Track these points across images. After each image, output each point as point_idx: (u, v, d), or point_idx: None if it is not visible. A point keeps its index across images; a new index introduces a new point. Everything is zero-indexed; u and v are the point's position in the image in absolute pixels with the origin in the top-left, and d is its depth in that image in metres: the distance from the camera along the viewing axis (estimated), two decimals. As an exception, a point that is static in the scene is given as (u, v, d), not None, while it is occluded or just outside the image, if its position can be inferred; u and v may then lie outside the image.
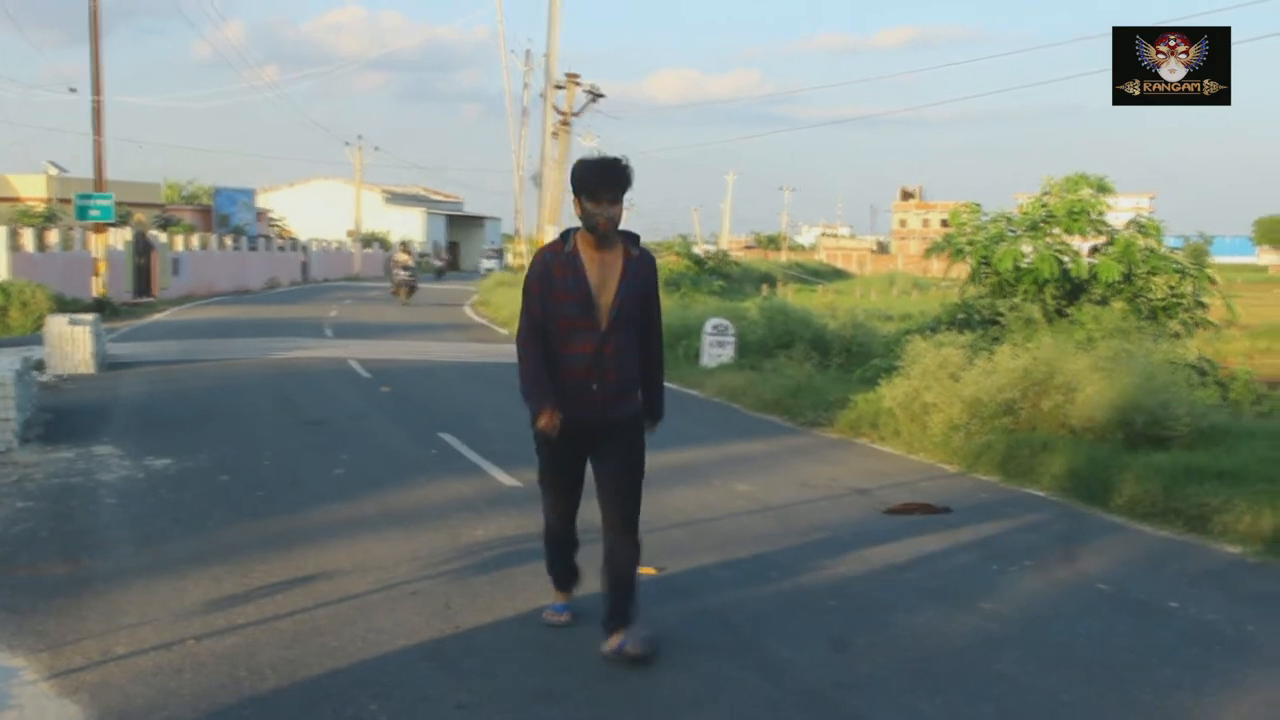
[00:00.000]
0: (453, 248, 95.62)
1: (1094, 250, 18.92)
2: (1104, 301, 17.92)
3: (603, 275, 5.51)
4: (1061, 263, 18.07)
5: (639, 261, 5.62)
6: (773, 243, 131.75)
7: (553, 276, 5.51)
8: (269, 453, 11.46)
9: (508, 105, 45.30)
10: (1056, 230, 18.64)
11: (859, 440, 12.95)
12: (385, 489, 9.71)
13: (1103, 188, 18.87)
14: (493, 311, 36.04)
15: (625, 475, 5.70)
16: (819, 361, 17.54)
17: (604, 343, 5.50)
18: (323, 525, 8.33)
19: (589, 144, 68.43)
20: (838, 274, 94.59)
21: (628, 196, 5.71)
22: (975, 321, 17.62)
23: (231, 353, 22.12)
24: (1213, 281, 18.83)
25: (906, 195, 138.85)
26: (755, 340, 20.19)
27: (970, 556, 7.85)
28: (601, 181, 5.40)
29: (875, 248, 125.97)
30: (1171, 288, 18.26)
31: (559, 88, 39.92)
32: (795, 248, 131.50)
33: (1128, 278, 18.12)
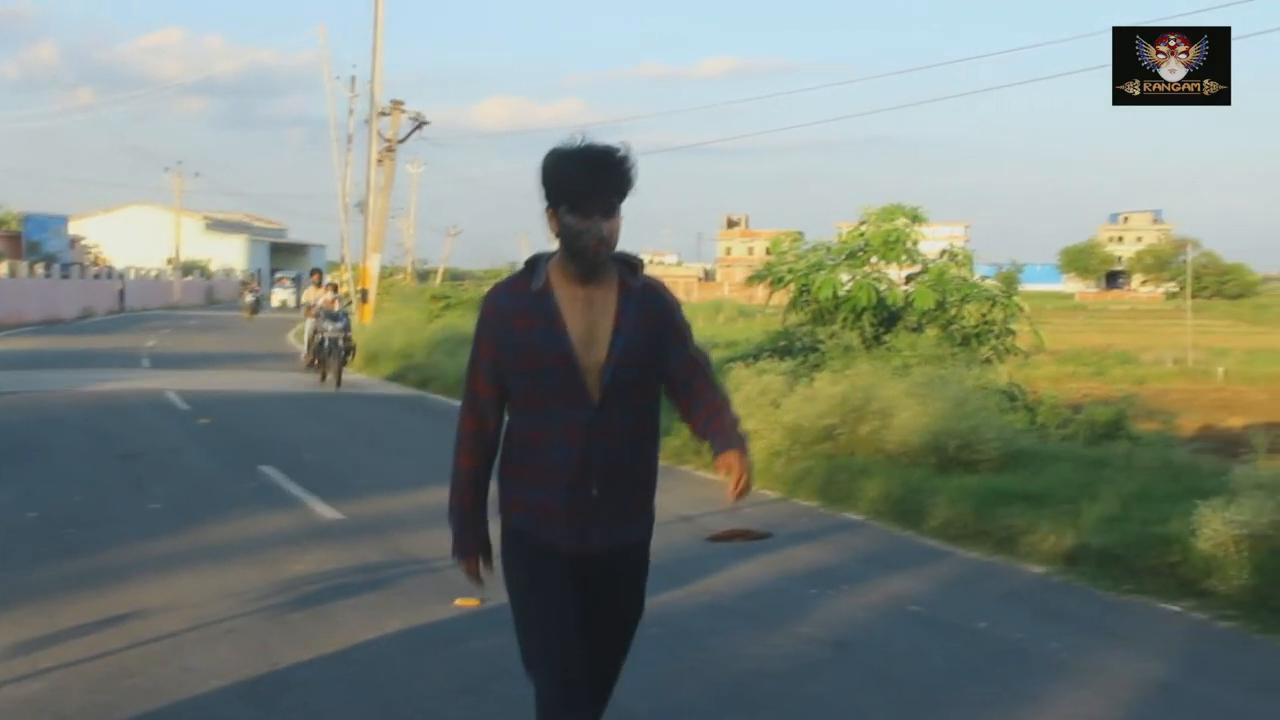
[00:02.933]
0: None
1: (909, 279, 19.45)
2: (919, 329, 18.43)
3: (589, 321, 3.40)
4: (878, 291, 18.54)
5: (644, 297, 3.48)
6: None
7: (513, 330, 3.40)
8: (80, 488, 11.09)
9: (332, 132, 44.46)
10: (874, 259, 19.12)
11: (683, 467, 13.06)
12: (201, 524, 9.47)
13: (917, 218, 19.41)
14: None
15: (616, 629, 3.80)
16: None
17: (598, 424, 3.39)
18: (135, 562, 8.08)
19: (415, 170, 67.73)
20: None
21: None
22: (796, 349, 17.94)
23: (41, 385, 21.34)
24: (1021, 309, 19.51)
25: (731, 223, 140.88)
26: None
27: (789, 581, 8.00)
28: (591, 183, 3.32)
29: (702, 275, 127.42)
30: (983, 315, 18.86)
31: (384, 114, 39.49)
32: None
33: (941, 306, 18.66)
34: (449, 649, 6.30)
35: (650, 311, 3.46)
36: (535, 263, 3.45)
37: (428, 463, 12.96)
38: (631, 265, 3.50)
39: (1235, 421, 22.94)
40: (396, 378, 25.30)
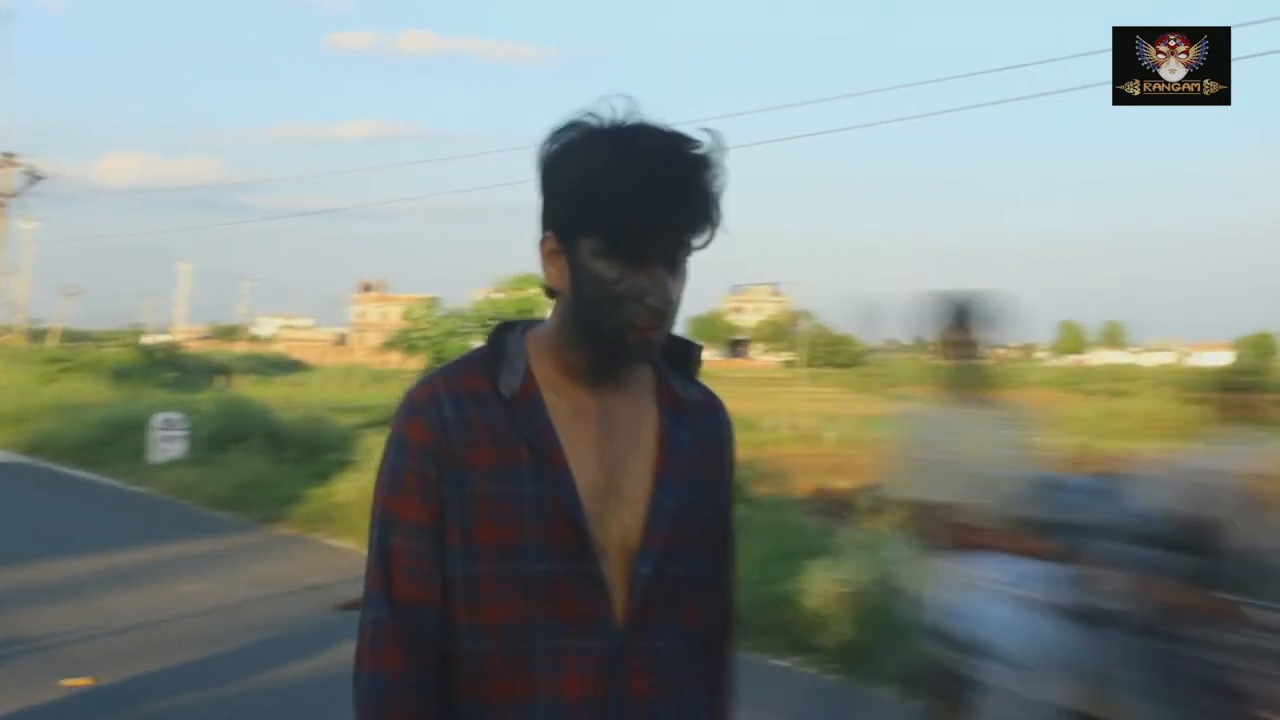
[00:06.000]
0: None
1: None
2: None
3: (611, 459, 1.80)
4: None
5: (705, 421, 1.92)
6: (231, 333, 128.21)
7: (467, 471, 1.75)
8: None
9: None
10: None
11: (313, 536, 12.87)
12: None
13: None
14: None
15: None
16: (275, 456, 17.28)
17: (624, 664, 1.76)
18: None
19: (28, 226, 64.03)
20: (297, 366, 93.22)
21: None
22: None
23: None
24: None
25: (367, 288, 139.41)
26: (208, 434, 19.59)
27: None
28: (658, 205, 1.68)
29: (336, 340, 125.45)
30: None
31: (-7, 166, 37.25)
32: (254, 339, 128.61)
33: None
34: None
35: (717, 451, 1.92)
36: (502, 342, 1.82)
37: (39, 534, 12.27)
38: (684, 356, 1.91)
39: (843, 484, 24.42)
40: (7, 444, 23.75)
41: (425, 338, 19.56)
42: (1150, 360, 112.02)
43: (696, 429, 1.88)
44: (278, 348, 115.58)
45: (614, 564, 1.75)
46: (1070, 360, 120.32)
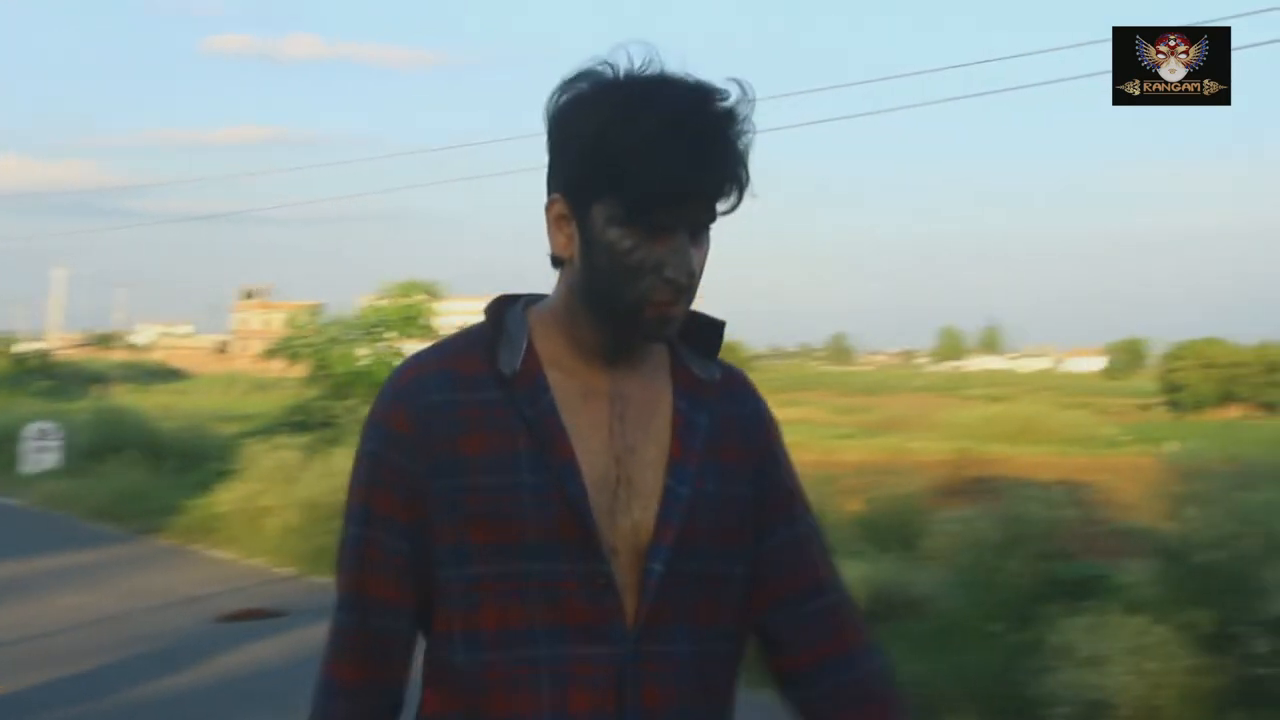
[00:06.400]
0: None
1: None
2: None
3: (621, 447, 1.60)
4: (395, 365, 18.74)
5: (727, 401, 1.71)
6: (107, 341, 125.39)
7: (458, 460, 1.55)
8: None
9: None
10: (391, 334, 19.30)
11: (194, 547, 12.69)
12: None
13: (435, 293, 19.79)
14: None
15: None
16: (154, 466, 16.97)
17: (636, 670, 1.55)
18: None
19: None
20: (177, 374, 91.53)
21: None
22: (313, 423, 17.80)
23: None
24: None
25: (249, 295, 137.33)
26: (84, 444, 19.18)
27: (305, 660, 7.93)
28: (685, 163, 1.48)
29: (217, 347, 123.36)
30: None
31: None
32: (132, 347, 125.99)
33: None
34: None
35: (741, 433, 1.70)
36: (499, 317, 1.64)
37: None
38: (706, 333, 1.70)
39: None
40: None
41: (309, 345, 19.32)
42: (1027, 366, 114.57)
43: (716, 411, 1.67)
44: (157, 355, 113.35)
45: (624, 562, 1.56)
46: (949, 366, 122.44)
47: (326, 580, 10.72)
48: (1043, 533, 8.21)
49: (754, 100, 1.53)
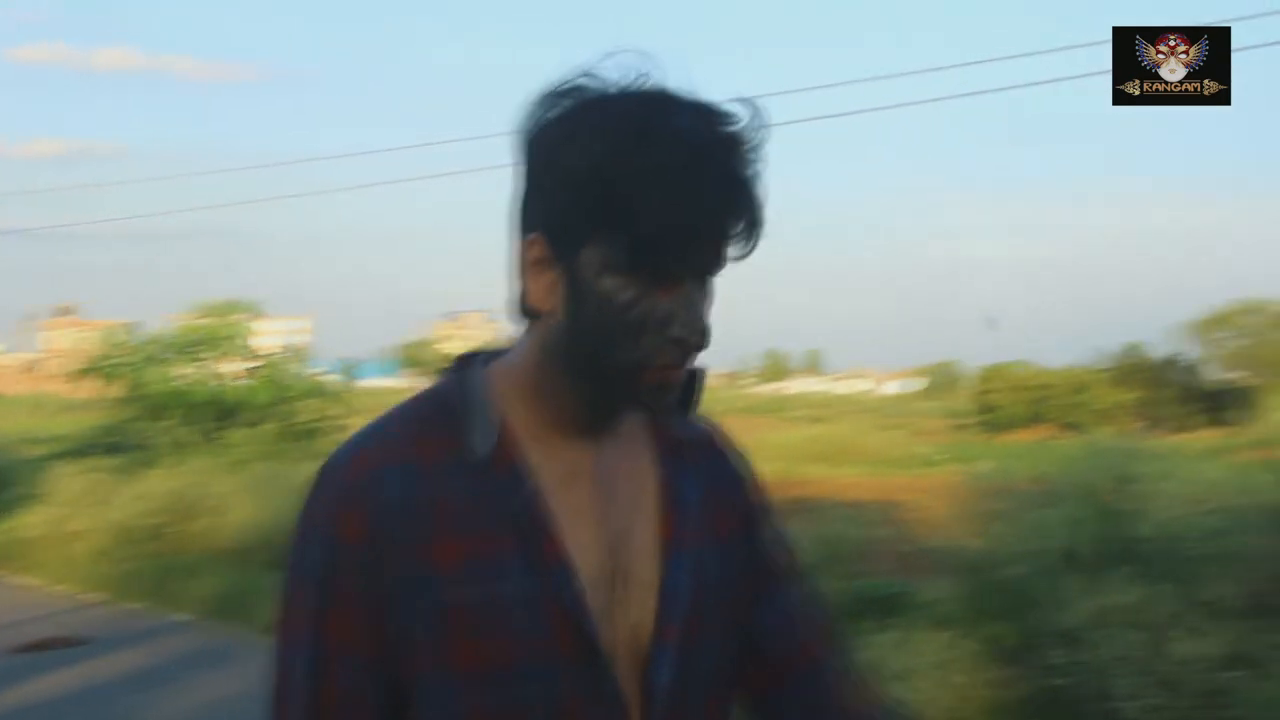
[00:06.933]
0: None
1: (248, 373, 19.36)
2: (256, 424, 18.36)
3: (613, 533, 1.35)
4: (214, 386, 18.31)
5: (709, 464, 1.48)
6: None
7: (431, 574, 1.26)
8: None
9: None
10: (208, 353, 18.87)
11: (-4, 573, 12.22)
12: None
13: (253, 312, 19.43)
14: None
15: None
16: (-46, 490, 16.29)
17: None
18: None
19: None
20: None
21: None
22: (126, 445, 17.29)
23: None
24: (351, 405, 20.04)
25: (61, 312, 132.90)
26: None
27: (109, 687, 7.72)
28: (704, 198, 1.23)
29: (25, 367, 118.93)
30: (321, 410, 19.12)
31: None
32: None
33: (279, 400, 18.72)
34: None
35: (729, 499, 1.49)
36: (465, 384, 1.37)
37: None
38: (686, 394, 1.38)
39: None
40: None
41: (125, 364, 18.76)
42: (847, 387, 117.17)
43: (703, 477, 1.44)
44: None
45: (624, 671, 1.31)
46: (772, 388, 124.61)
47: (139, 606, 10.45)
48: (855, 552, 8.41)
49: (768, 126, 1.28)
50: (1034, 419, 39.04)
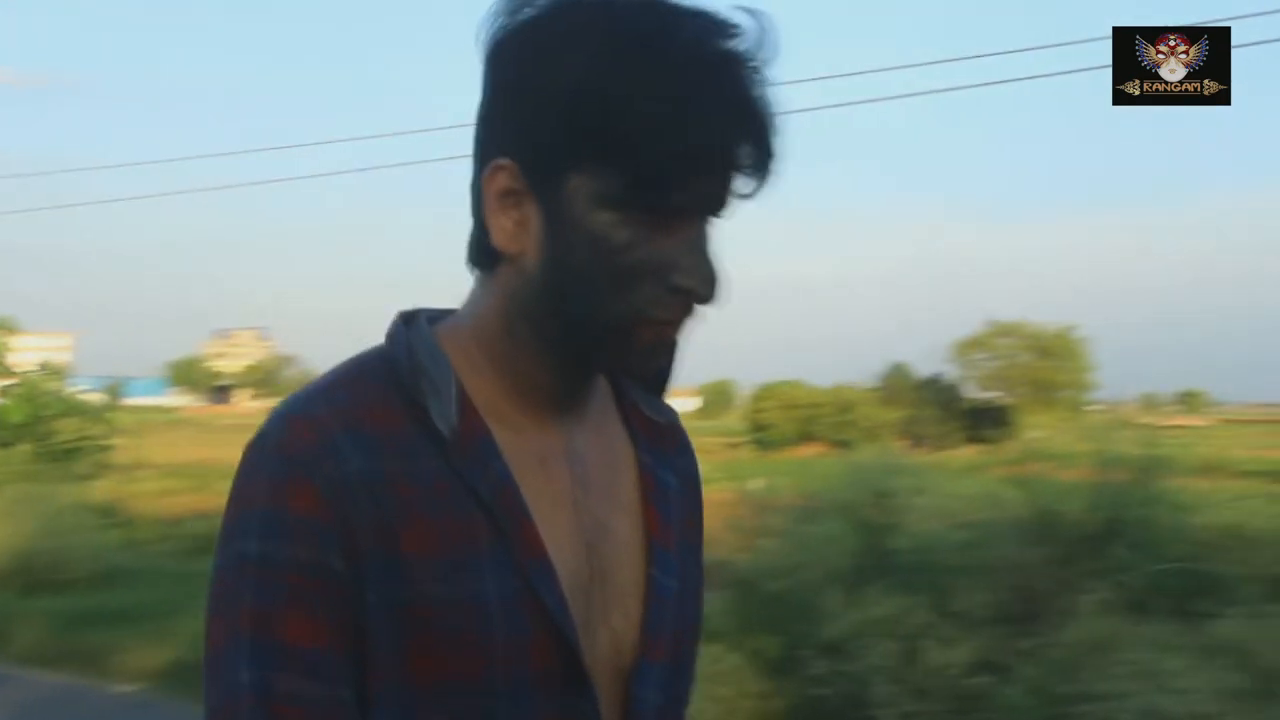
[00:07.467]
0: None
1: (2, 392, 18.59)
2: (10, 444, 17.63)
3: (591, 528, 1.14)
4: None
5: (679, 455, 1.28)
6: None
7: (399, 558, 1.02)
8: None
9: None
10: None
11: None
12: None
13: (8, 328, 18.67)
14: None
15: None
16: None
17: None
18: None
19: None
20: None
21: None
22: None
23: None
24: (117, 424, 19.38)
25: None
26: None
27: None
28: (721, 118, 1.02)
29: None
30: (81, 430, 18.46)
31: None
32: None
33: (36, 420, 18.01)
34: None
35: (695, 497, 1.32)
36: (414, 345, 1.11)
37: None
38: (660, 379, 1.27)
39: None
40: None
41: None
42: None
43: (676, 468, 1.26)
44: None
45: (603, 689, 1.11)
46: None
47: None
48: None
49: (778, 36, 1.06)
50: (805, 437, 40.10)
